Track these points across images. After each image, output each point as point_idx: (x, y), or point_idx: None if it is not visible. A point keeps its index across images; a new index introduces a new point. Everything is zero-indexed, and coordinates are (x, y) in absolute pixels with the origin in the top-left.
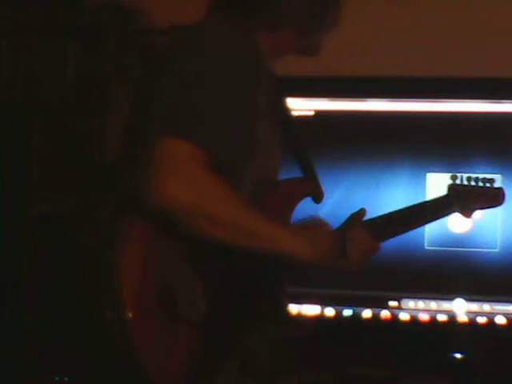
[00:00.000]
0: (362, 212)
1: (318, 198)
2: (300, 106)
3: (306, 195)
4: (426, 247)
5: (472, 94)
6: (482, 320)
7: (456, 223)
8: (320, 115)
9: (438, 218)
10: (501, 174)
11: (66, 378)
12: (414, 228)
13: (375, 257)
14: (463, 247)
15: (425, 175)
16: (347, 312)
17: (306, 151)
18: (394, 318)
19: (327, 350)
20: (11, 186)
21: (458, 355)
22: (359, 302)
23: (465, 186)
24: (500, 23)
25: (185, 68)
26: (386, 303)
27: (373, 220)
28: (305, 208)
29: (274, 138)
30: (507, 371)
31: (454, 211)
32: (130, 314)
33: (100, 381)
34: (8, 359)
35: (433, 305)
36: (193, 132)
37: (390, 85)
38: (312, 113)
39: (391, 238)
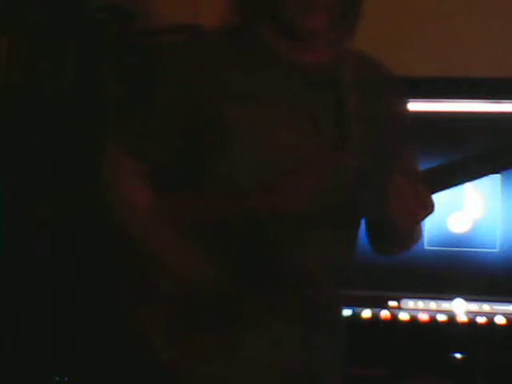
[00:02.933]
0: None
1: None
2: None
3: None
4: (426, 247)
5: (472, 94)
6: (481, 320)
7: (456, 223)
8: None
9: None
10: (501, 173)
11: (65, 378)
12: (468, 181)
13: (375, 257)
14: (463, 247)
15: None
16: (347, 312)
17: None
18: (394, 318)
19: None
20: (11, 185)
21: (458, 355)
22: (359, 302)
23: None
24: (500, 23)
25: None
26: (386, 303)
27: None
28: None
29: (277, 118)
30: (507, 371)
31: None
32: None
33: (100, 381)
34: (8, 359)
35: (432, 305)
36: (125, 141)
37: None
38: None
39: (442, 190)
